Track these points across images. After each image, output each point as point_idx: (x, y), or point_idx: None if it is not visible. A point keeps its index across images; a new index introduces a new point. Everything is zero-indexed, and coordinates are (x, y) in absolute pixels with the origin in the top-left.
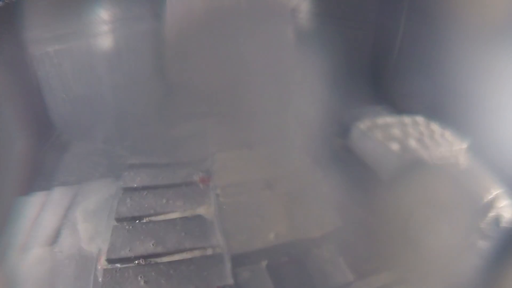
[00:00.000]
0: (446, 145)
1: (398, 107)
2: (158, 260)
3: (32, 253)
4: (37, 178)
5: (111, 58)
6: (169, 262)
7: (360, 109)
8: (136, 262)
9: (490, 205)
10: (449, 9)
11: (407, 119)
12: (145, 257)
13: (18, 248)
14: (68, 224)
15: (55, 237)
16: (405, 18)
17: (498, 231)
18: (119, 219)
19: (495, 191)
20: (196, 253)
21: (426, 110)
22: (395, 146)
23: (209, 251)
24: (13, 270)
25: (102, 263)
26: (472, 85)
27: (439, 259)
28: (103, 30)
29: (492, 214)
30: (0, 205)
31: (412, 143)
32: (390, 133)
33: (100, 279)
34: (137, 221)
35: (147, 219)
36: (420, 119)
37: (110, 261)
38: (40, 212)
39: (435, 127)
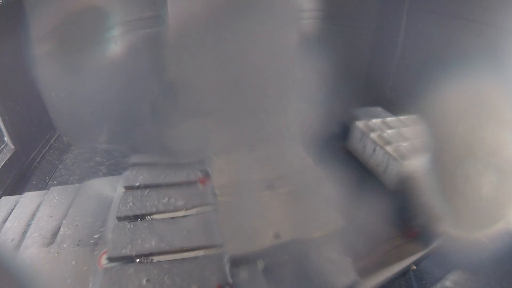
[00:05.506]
0: None
1: (398, 107)
2: (160, 258)
3: (32, 252)
4: (38, 178)
5: (112, 59)
6: (171, 261)
7: (360, 109)
8: (138, 260)
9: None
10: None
11: (407, 120)
12: (147, 255)
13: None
14: (69, 223)
15: (56, 236)
16: (406, 18)
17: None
18: (120, 218)
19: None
20: (198, 252)
21: (426, 110)
22: (394, 149)
23: (210, 250)
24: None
25: (103, 262)
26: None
27: None
28: (104, 31)
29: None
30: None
31: (411, 145)
32: (390, 134)
33: (100, 278)
34: (139, 219)
35: (149, 217)
36: (420, 119)
37: (111, 259)
38: (40, 212)
39: None
